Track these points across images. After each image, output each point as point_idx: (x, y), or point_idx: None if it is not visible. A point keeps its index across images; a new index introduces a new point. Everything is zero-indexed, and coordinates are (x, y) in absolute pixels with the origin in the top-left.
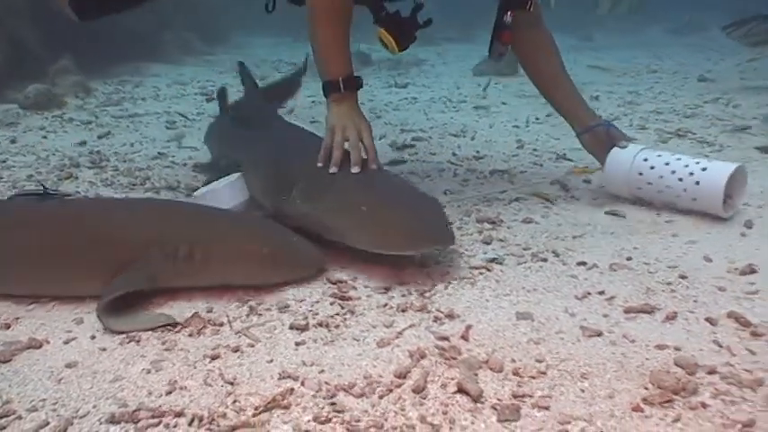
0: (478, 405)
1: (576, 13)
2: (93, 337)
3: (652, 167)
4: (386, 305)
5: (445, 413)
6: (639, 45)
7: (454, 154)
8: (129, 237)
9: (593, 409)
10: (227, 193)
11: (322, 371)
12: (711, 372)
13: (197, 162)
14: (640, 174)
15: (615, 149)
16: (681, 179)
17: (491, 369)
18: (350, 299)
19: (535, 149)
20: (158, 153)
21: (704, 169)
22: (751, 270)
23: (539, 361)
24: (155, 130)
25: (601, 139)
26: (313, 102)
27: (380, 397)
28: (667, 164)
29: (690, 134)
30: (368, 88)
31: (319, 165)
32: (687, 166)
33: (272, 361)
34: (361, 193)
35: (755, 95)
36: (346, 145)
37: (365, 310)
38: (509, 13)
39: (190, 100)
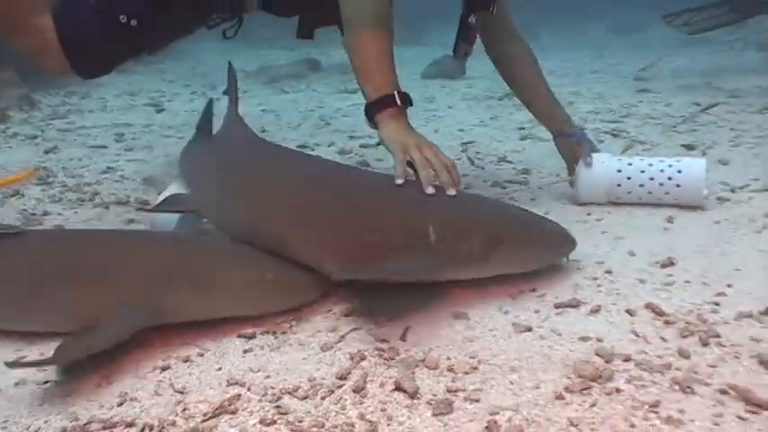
0: (414, 401)
1: (524, 14)
2: (41, 355)
3: (629, 177)
4: (330, 310)
5: (383, 410)
6: (583, 45)
7: None
8: (131, 269)
9: (520, 400)
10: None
11: (268, 376)
12: (627, 359)
13: (146, 176)
14: (618, 185)
15: (584, 167)
16: (661, 184)
17: (427, 367)
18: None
19: (478, 152)
20: (107, 167)
21: (680, 171)
22: (670, 263)
23: (472, 357)
24: (103, 143)
25: (572, 147)
26: (263, 110)
27: (323, 398)
28: (643, 171)
29: (624, 133)
30: (318, 95)
31: (399, 182)
32: (663, 171)
33: (220, 369)
34: (511, 215)
35: (686, 93)
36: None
37: (311, 315)
38: (473, 15)
39: (139, 111)
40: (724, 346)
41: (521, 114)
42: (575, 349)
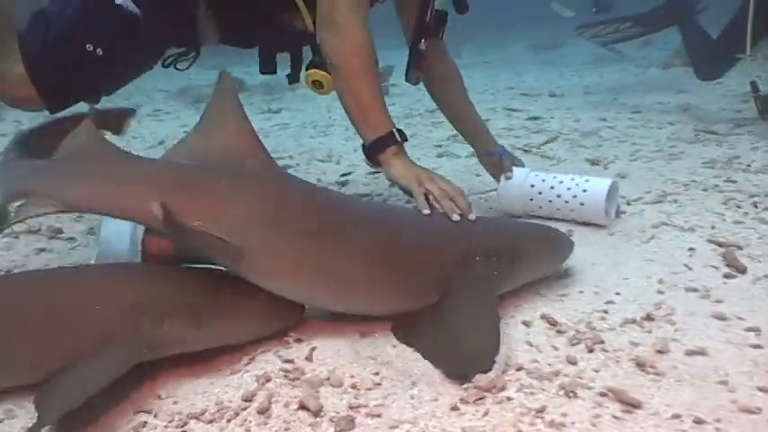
0: (318, 419)
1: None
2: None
3: (540, 193)
4: None
5: (287, 429)
6: (502, 62)
7: (319, 180)
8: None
9: (419, 413)
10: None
11: (176, 402)
12: (519, 369)
13: None
14: (531, 199)
15: (504, 181)
16: (567, 201)
17: (332, 385)
18: None
19: None
20: None
21: (585, 191)
22: (567, 274)
23: (375, 374)
24: None
25: (496, 164)
26: (186, 132)
27: (228, 420)
28: (552, 188)
29: (534, 149)
30: None
31: (426, 212)
32: (570, 189)
33: (128, 398)
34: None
35: (594, 109)
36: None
37: None
38: (423, 40)
39: None
40: (607, 351)
41: (438, 132)
42: None
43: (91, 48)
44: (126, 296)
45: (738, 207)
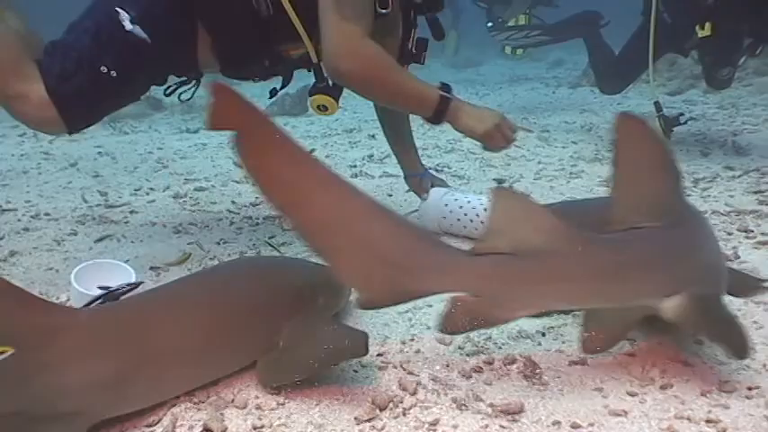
0: None
1: None
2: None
3: (451, 211)
4: None
5: None
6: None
7: (233, 202)
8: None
9: (319, 430)
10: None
11: None
12: (419, 384)
13: None
14: (444, 218)
15: (422, 201)
16: (472, 220)
17: (236, 407)
18: None
19: None
20: None
21: (486, 209)
22: None
23: (280, 395)
24: None
25: (418, 184)
26: (99, 153)
27: None
28: (461, 207)
29: (446, 168)
30: (158, 135)
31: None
32: (474, 207)
33: None
34: None
35: None
36: None
37: None
38: (405, 66)
39: None
40: (501, 364)
41: (354, 152)
42: (376, 379)
43: (105, 70)
44: (298, 279)
45: None
